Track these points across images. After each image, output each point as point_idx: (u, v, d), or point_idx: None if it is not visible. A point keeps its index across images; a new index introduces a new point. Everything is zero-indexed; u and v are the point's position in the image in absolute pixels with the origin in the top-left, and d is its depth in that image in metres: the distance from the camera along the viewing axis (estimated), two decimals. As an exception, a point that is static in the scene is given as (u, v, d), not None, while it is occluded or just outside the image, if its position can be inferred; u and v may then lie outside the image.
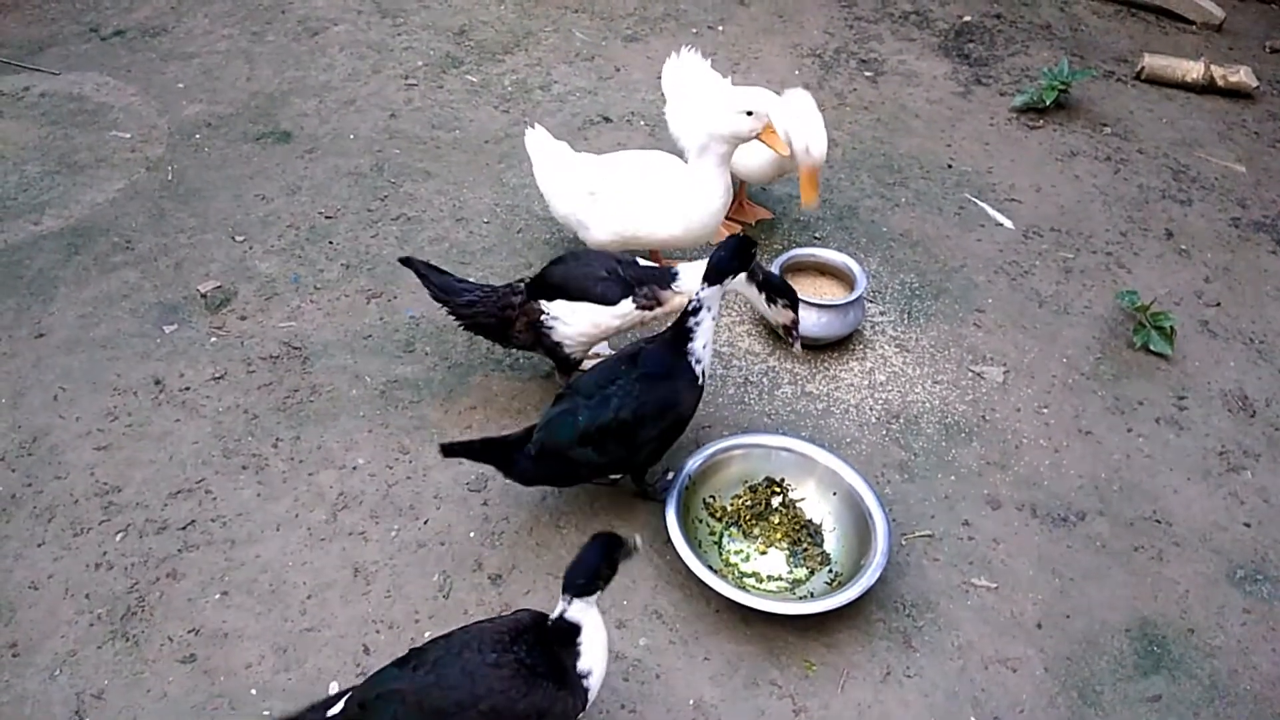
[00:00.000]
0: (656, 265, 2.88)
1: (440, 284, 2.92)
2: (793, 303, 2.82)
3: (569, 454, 2.54)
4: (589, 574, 1.95)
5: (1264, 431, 3.14)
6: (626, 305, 2.74)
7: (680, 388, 2.57)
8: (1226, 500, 2.94)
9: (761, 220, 3.77)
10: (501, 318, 2.85)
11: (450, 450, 2.53)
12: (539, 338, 2.85)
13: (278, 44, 4.68)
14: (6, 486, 2.78)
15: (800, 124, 3.19)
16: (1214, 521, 2.88)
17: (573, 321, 2.77)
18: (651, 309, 2.76)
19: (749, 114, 2.96)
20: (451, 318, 2.95)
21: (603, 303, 2.74)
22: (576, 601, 1.97)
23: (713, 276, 2.50)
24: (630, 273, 2.78)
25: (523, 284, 2.89)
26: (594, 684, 2.03)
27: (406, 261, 2.95)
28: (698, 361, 2.57)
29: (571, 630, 1.99)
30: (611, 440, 2.53)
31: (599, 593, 1.99)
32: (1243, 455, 3.06)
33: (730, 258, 2.50)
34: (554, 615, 2.00)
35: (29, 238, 3.58)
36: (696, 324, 2.52)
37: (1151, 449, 3.07)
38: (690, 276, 2.71)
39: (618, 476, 2.78)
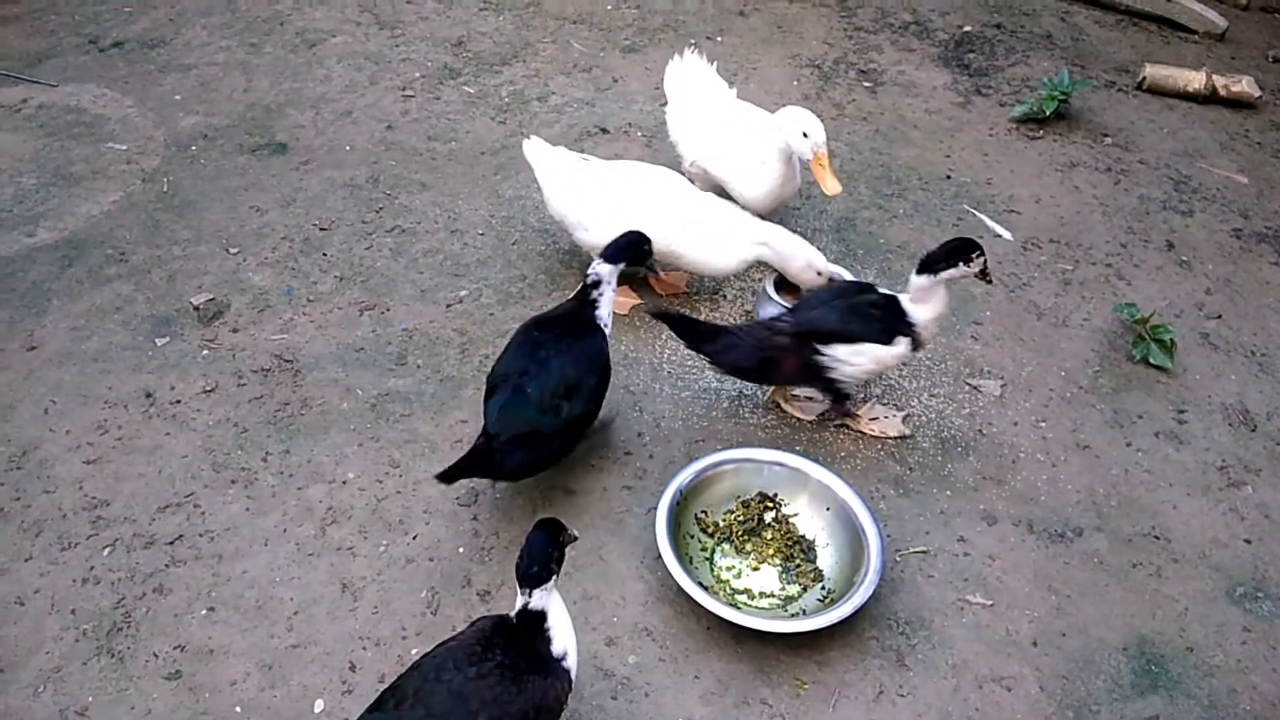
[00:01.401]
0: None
1: (694, 333, 2.91)
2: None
3: (538, 429, 2.62)
4: (542, 561, 1.98)
5: (1265, 446, 3.10)
6: (903, 344, 2.83)
7: (599, 341, 2.79)
8: (1226, 516, 2.90)
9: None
10: (765, 359, 2.87)
11: (448, 477, 2.54)
12: (812, 376, 2.89)
13: (275, 56, 4.68)
14: (-6, 501, 2.77)
15: (794, 117, 3.20)
16: (1214, 538, 2.84)
17: (857, 362, 2.83)
18: (917, 349, 2.87)
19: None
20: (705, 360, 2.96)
21: (883, 343, 2.82)
22: (536, 591, 1.98)
23: (609, 256, 2.81)
24: (887, 314, 2.84)
25: (783, 323, 2.89)
26: (572, 664, 2.06)
27: (662, 315, 2.89)
28: (605, 325, 2.81)
29: (538, 618, 2.01)
30: (563, 399, 2.65)
31: (555, 577, 2.00)
32: (1243, 470, 3.02)
33: (626, 248, 2.83)
34: (516, 610, 2.01)
35: (23, 250, 3.58)
36: (600, 295, 2.80)
37: (1151, 464, 3.03)
38: (920, 314, 2.82)
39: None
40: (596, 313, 2.80)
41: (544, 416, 2.62)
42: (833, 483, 2.72)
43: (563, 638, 2.05)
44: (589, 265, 2.83)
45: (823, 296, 2.94)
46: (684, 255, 3.20)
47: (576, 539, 2.11)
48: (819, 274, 3.14)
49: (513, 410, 2.61)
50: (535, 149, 3.35)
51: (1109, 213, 4.01)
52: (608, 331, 2.82)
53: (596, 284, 2.80)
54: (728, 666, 2.46)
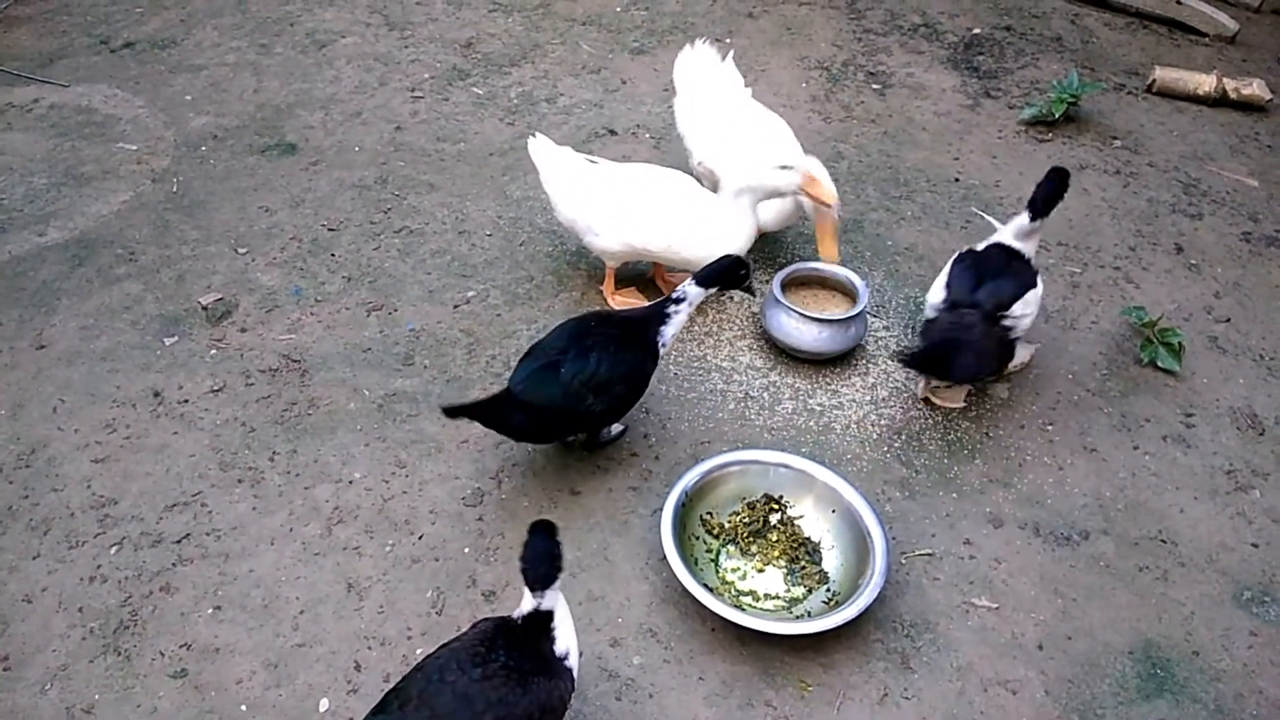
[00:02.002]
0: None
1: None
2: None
3: (554, 405, 2.67)
4: (549, 560, 1.97)
5: (1273, 450, 3.09)
6: (1040, 279, 3.02)
7: (646, 357, 2.78)
8: (1234, 520, 2.89)
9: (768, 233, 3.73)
10: (975, 348, 2.88)
11: (453, 412, 2.59)
12: (1005, 345, 2.97)
13: (285, 57, 4.70)
14: (3, 499, 2.78)
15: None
16: (1221, 542, 2.83)
17: (1027, 312, 2.97)
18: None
19: (785, 168, 3.08)
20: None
21: (1033, 285, 2.98)
22: (547, 591, 1.98)
23: (702, 281, 2.77)
24: (1015, 259, 3.02)
25: (967, 313, 2.91)
26: (574, 663, 2.07)
27: (906, 359, 2.90)
28: (664, 344, 2.80)
29: (546, 618, 2.01)
30: (589, 392, 2.67)
31: (560, 575, 2.00)
32: (1251, 474, 3.01)
33: (718, 273, 2.78)
34: (524, 611, 2.00)
35: (34, 249, 3.60)
36: (675, 312, 2.78)
37: (1158, 467, 3.02)
38: (1029, 249, 3.03)
39: (572, 439, 2.93)
40: (661, 329, 2.78)
41: (565, 399, 2.66)
42: (838, 485, 2.72)
43: (566, 637, 2.05)
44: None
45: (956, 275, 3.00)
46: (694, 258, 3.19)
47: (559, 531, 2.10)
48: (788, 167, 3.06)
49: (540, 380, 2.67)
50: (541, 148, 3.32)
51: (1118, 215, 3.99)
52: (663, 350, 2.81)
53: (679, 301, 2.77)
54: (732, 668, 2.46)
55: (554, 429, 2.77)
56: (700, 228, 3.16)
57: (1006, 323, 2.90)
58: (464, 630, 2.11)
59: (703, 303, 3.04)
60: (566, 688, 2.04)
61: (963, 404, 3.14)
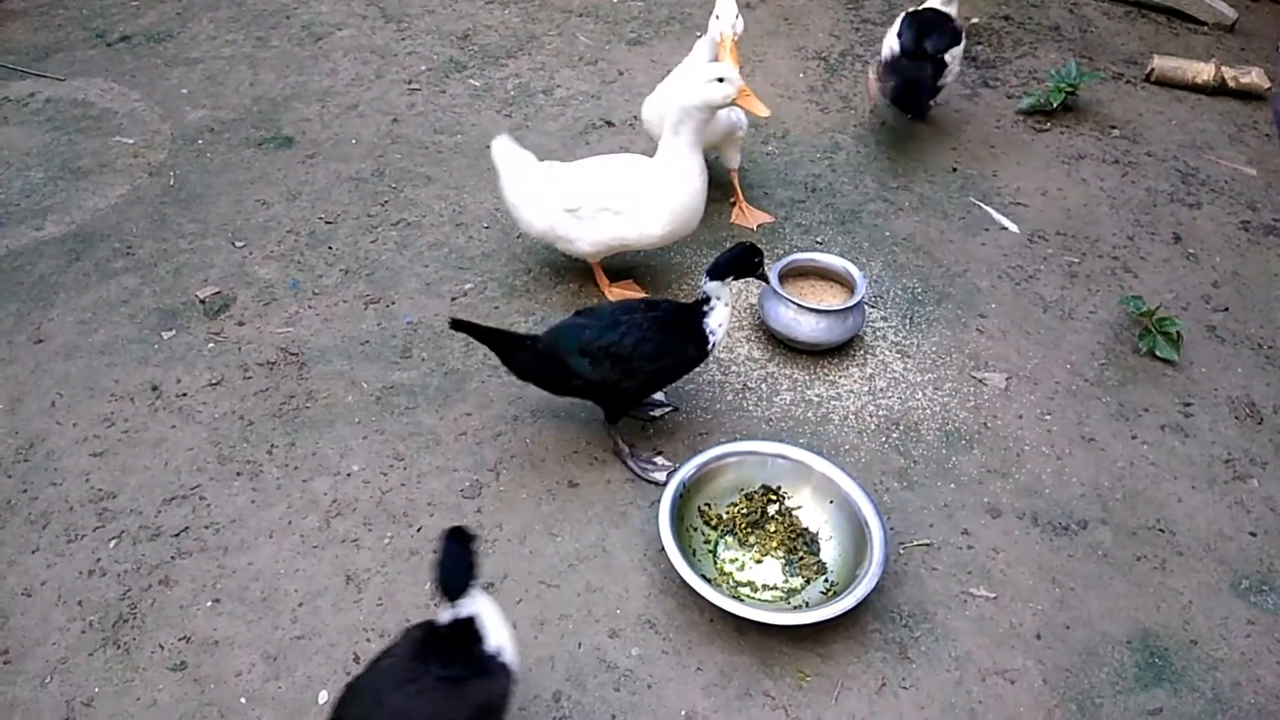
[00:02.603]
0: None
1: None
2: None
3: (566, 359, 2.69)
4: (463, 569, 1.95)
5: (1271, 439, 3.09)
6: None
7: (688, 338, 2.75)
8: (1232, 509, 2.89)
9: (763, 224, 3.74)
10: (911, 81, 3.94)
11: (459, 325, 2.67)
12: (938, 87, 4.11)
13: (282, 49, 4.69)
14: (2, 493, 2.78)
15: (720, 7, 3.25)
16: (1219, 531, 2.83)
17: (956, 59, 4.07)
18: None
19: (720, 80, 3.01)
20: None
21: (960, 40, 4.09)
22: (462, 600, 1.95)
23: (715, 273, 2.72)
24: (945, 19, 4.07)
25: (926, 60, 3.94)
26: (509, 656, 2.03)
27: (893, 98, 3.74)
28: (711, 332, 2.76)
29: (468, 624, 1.99)
30: (608, 360, 2.68)
31: (475, 582, 1.98)
32: (1249, 463, 3.01)
33: (732, 262, 2.72)
34: (446, 619, 1.97)
35: (31, 243, 3.59)
36: (710, 309, 2.75)
37: (1156, 456, 3.02)
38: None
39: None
40: (705, 320, 2.75)
41: (581, 359, 2.68)
42: (836, 475, 2.72)
43: (496, 634, 2.01)
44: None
45: (904, 30, 3.97)
46: (663, 230, 3.16)
47: (477, 537, 2.06)
48: (722, 80, 3.01)
49: (564, 334, 2.72)
50: (502, 150, 3.24)
51: (1116, 205, 3.99)
52: (713, 339, 2.76)
53: (707, 300, 2.75)
54: (730, 658, 2.47)
55: (553, 379, 2.76)
56: (653, 193, 3.12)
57: (945, 72, 3.96)
58: (394, 641, 2.07)
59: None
60: (505, 683, 2.01)
61: (878, 101, 4.01)
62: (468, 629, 1.98)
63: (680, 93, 3.05)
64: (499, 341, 2.75)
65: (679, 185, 3.11)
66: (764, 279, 2.91)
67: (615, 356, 2.68)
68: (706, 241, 3.63)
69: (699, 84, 3.01)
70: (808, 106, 4.43)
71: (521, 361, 2.75)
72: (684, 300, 3.19)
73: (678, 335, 2.74)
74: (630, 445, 2.90)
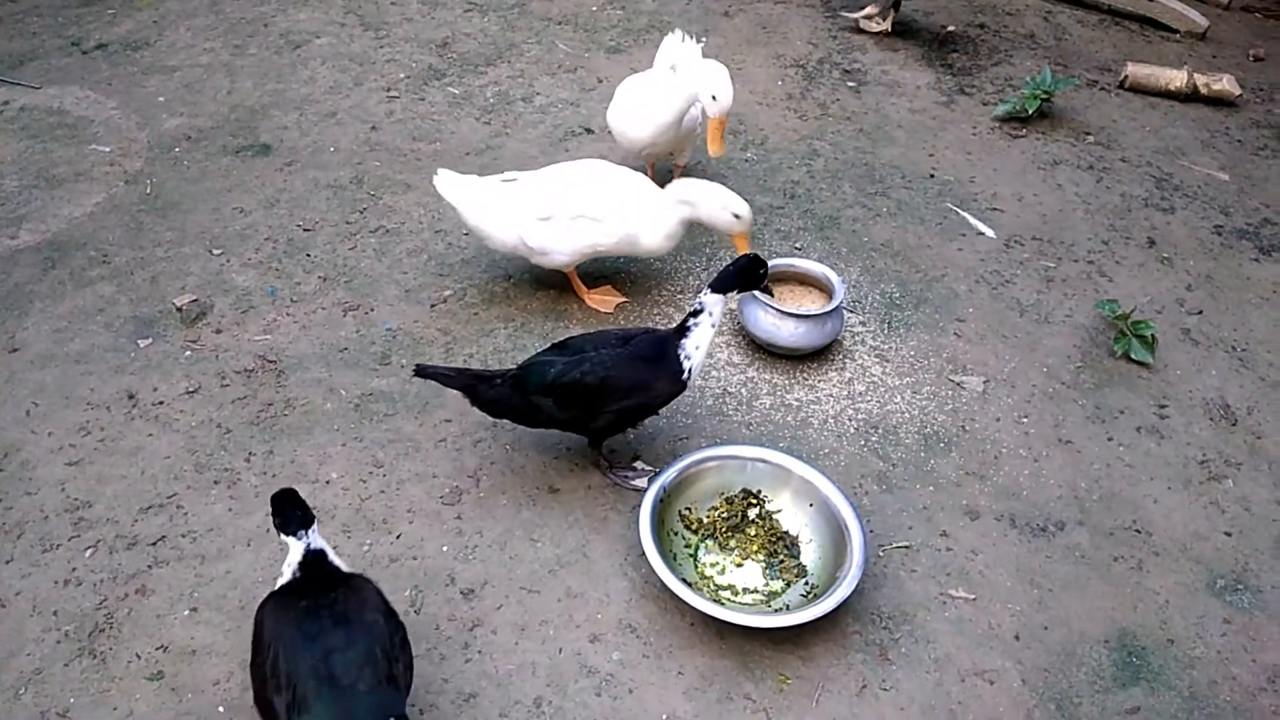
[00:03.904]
0: None
1: None
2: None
3: (531, 398, 2.65)
4: (300, 503, 2.19)
5: (1245, 440, 3.12)
6: None
7: (659, 374, 2.66)
8: (1207, 509, 2.92)
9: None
10: None
11: (423, 371, 2.70)
12: None
13: (259, 57, 4.68)
14: (-24, 503, 2.76)
15: (707, 75, 3.24)
16: (1195, 531, 2.86)
17: None
18: None
19: (736, 217, 3.11)
20: None
21: None
22: (310, 531, 2.17)
23: (719, 286, 2.65)
24: None
25: None
26: (342, 562, 2.25)
27: None
28: (687, 358, 2.66)
29: (322, 554, 2.19)
30: (574, 398, 2.63)
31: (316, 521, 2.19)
32: (1224, 464, 3.04)
33: (736, 274, 2.67)
34: (297, 562, 2.17)
35: (5, 252, 3.56)
36: (695, 324, 2.65)
37: (1132, 458, 3.05)
38: None
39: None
40: (684, 340, 2.64)
41: (544, 398, 2.64)
42: (815, 479, 2.73)
43: (337, 558, 2.23)
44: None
45: None
46: (654, 240, 3.20)
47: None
48: (737, 216, 3.10)
49: (531, 372, 2.66)
50: (448, 184, 3.24)
51: (1091, 210, 4.03)
52: (688, 364, 2.64)
53: (697, 313, 2.64)
54: (711, 662, 2.47)
55: (518, 414, 2.72)
56: (635, 197, 3.16)
57: None
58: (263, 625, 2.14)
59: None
60: (372, 584, 2.19)
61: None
62: (321, 562, 2.18)
63: (702, 204, 3.10)
64: (465, 385, 2.72)
65: (652, 233, 3.18)
66: (768, 292, 2.89)
67: (580, 396, 2.62)
68: (686, 248, 3.63)
69: (718, 206, 3.09)
70: (786, 114, 4.46)
71: (490, 401, 2.70)
72: (677, 300, 3.20)
73: (648, 371, 2.64)
74: (610, 452, 2.90)
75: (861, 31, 5.05)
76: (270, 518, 2.23)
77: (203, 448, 2.92)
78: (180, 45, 4.74)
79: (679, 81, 3.37)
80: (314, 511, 2.20)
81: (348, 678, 1.99)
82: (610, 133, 3.66)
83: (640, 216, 3.17)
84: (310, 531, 2.17)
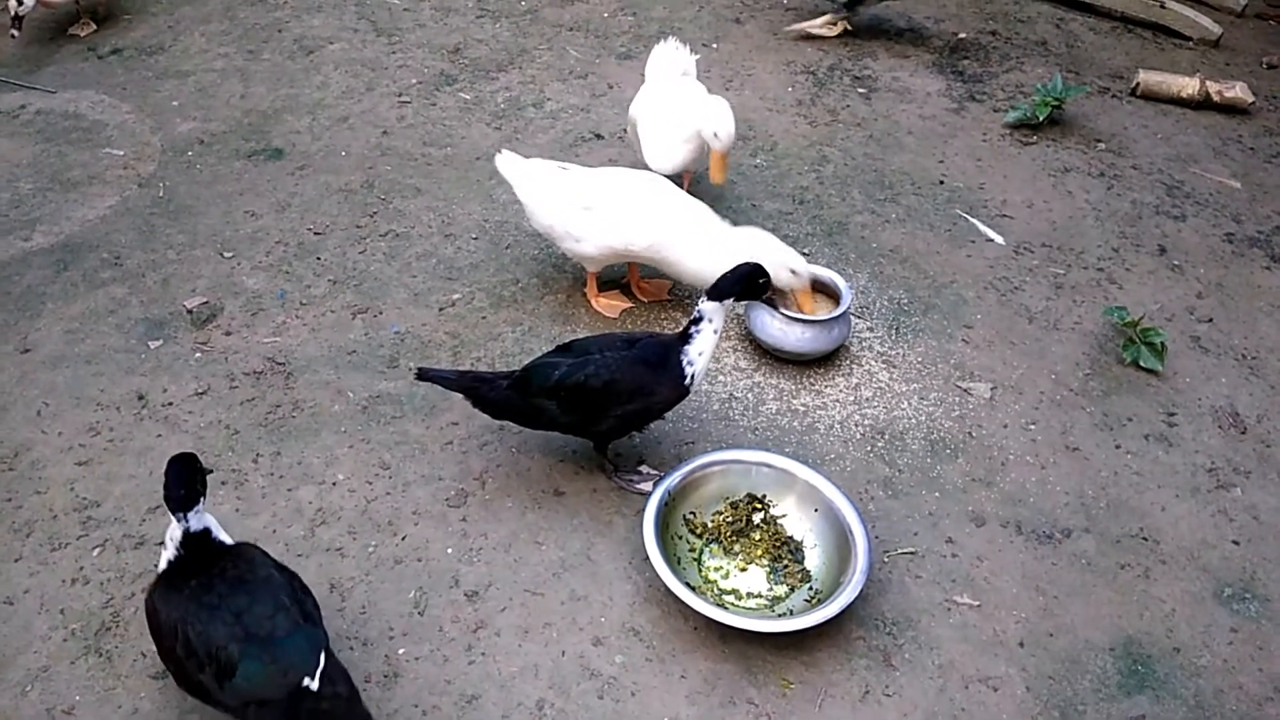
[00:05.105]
0: None
1: None
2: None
3: (534, 400, 2.66)
4: (188, 484, 2.14)
5: (1254, 448, 3.10)
6: None
7: (662, 379, 2.66)
8: (1215, 518, 2.90)
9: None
10: None
11: (425, 375, 2.73)
12: None
13: (273, 62, 4.71)
14: (-14, 501, 2.78)
15: (711, 114, 3.35)
16: (1202, 539, 2.84)
17: None
18: None
19: (794, 273, 3.13)
20: None
21: None
22: (190, 515, 2.15)
23: (716, 294, 2.63)
24: None
25: None
26: (226, 538, 2.25)
27: None
28: (690, 364, 2.66)
29: (205, 536, 2.19)
30: (577, 402, 2.64)
31: (204, 499, 2.18)
32: (1232, 472, 3.03)
33: (736, 282, 2.64)
34: (178, 542, 2.17)
35: (19, 254, 3.60)
36: (697, 331, 2.65)
37: (1140, 466, 3.03)
38: None
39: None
40: (686, 346, 2.64)
41: (546, 400, 2.65)
42: (820, 484, 2.72)
43: (221, 534, 2.23)
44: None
45: None
46: (670, 261, 3.20)
47: (212, 471, 2.32)
48: (795, 273, 3.12)
49: (535, 374, 2.67)
50: (509, 163, 3.32)
51: (1101, 217, 4.02)
52: (690, 370, 2.64)
53: (698, 321, 2.64)
54: (714, 666, 2.47)
55: (529, 420, 2.75)
56: (684, 237, 3.16)
57: None
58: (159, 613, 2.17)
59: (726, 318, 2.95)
60: (261, 551, 2.25)
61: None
62: (206, 542, 2.18)
63: (762, 254, 2.99)
64: (466, 387, 2.74)
65: (709, 257, 3.13)
66: (770, 303, 2.89)
67: (583, 400, 2.63)
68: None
69: (779, 262, 3.07)
70: (796, 120, 4.46)
71: (493, 403, 2.72)
72: (685, 304, 3.21)
73: (652, 376, 2.64)
74: (616, 455, 2.91)
75: (813, 38, 5.04)
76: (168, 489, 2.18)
77: (211, 449, 2.94)
78: (194, 50, 4.78)
79: (692, 115, 3.44)
80: (202, 489, 2.17)
81: (265, 629, 2.04)
82: (626, 141, 3.70)
83: (694, 242, 3.15)
84: (192, 515, 2.14)
